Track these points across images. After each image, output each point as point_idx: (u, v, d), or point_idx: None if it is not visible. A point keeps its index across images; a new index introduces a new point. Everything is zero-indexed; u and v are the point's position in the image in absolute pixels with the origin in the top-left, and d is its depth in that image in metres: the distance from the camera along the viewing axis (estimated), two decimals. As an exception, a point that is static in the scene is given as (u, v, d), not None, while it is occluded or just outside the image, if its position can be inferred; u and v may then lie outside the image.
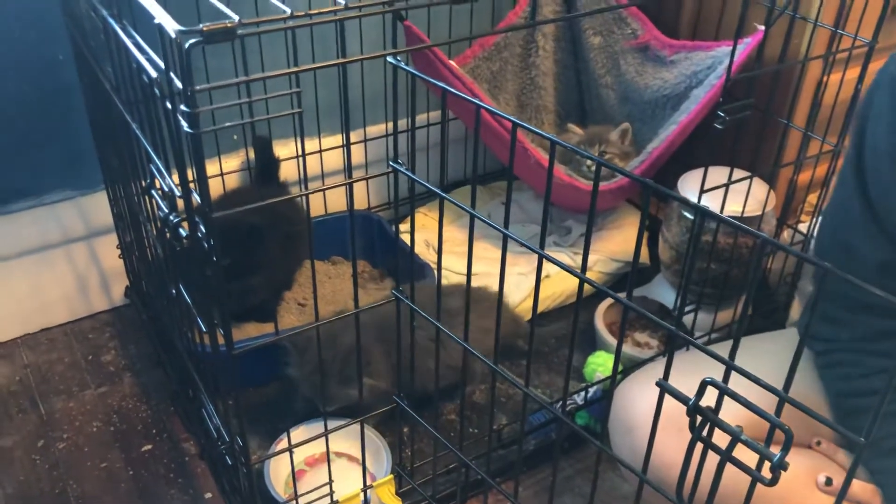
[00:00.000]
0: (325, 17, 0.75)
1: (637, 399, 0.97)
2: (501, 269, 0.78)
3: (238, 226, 1.20)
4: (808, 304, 1.00)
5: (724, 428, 0.56)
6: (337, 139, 1.58)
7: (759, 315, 1.40)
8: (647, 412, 0.97)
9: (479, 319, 1.00)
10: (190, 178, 0.72)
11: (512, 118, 0.67)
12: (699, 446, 0.59)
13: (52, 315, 1.46)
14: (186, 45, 0.64)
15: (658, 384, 0.63)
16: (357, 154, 1.61)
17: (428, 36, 1.39)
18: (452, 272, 1.44)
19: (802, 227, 1.36)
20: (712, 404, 0.58)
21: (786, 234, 1.38)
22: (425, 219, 1.63)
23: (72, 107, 1.32)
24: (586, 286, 0.70)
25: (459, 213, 1.64)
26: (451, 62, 1.44)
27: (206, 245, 0.74)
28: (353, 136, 1.59)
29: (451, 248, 1.50)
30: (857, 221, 0.86)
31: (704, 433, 0.59)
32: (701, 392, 0.59)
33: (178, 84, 0.66)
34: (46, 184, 1.37)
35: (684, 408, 0.59)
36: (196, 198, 0.73)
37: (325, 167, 1.56)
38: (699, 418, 0.59)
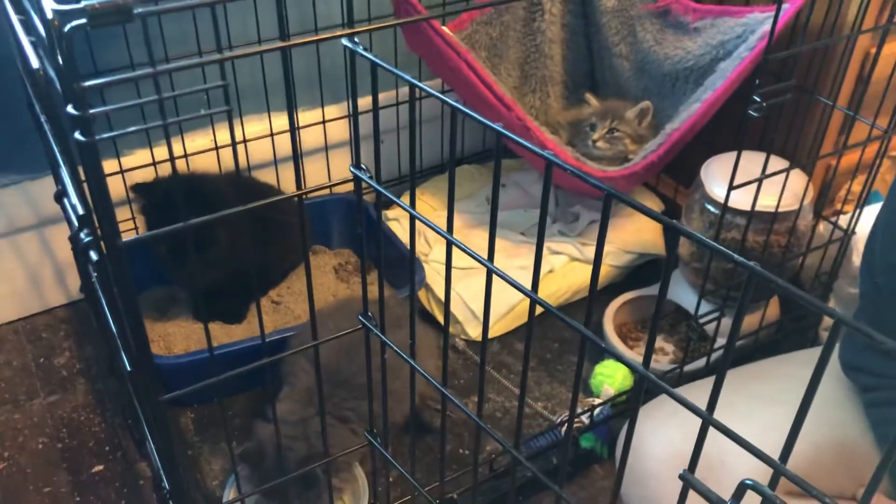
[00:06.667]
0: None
1: (649, 442, 0.83)
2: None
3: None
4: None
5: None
6: (303, 116, 1.41)
7: (789, 318, 1.24)
8: (661, 458, 0.83)
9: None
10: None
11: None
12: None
13: (2, 312, 1.32)
14: (67, 29, 0.49)
15: (681, 477, 0.49)
16: (321, 133, 1.44)
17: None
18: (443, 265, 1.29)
19: (843, 220, 1.20)
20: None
21: (822, 228, 1.21)
22: (417, 201, 1.47)
23: (10, 80, 1.15)
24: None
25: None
26: (445, 29, 1.27)
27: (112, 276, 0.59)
28: (311, 116, 1.42)
29: (441, 238, 1.34)
30: None
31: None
32: (740, 495, 0.45)
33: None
34: (-12, 167, 1.22)
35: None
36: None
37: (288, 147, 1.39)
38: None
